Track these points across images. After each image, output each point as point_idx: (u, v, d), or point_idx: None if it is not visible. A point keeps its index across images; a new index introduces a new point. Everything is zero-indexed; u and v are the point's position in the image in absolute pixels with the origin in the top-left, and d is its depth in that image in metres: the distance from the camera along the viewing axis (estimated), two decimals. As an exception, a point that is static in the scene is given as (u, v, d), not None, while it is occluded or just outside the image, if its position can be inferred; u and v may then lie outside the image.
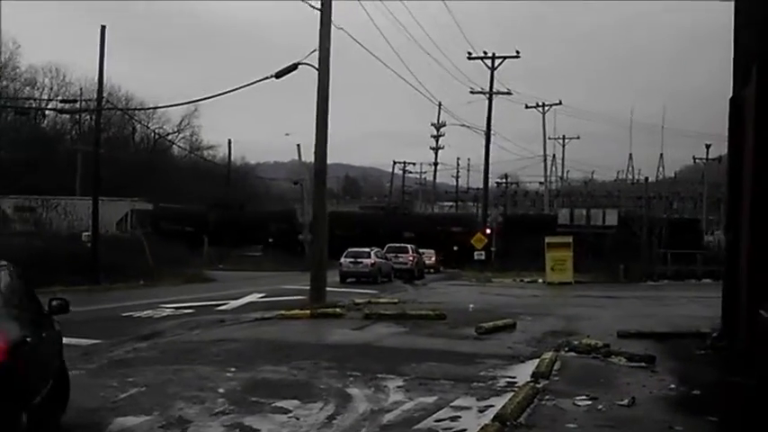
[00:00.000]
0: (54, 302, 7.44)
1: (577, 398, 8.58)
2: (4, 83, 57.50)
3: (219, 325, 16.09)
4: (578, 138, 76.05)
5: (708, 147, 69.41)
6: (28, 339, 6.21)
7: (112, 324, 16.25)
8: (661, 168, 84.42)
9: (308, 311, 18.03)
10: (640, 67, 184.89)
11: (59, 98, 59.16)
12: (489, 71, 50.34)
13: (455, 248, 47.77)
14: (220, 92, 26.96)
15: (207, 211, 54.62)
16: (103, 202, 38.90)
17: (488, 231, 44.21)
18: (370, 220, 55.96)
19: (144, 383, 9.32)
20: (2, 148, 55.36)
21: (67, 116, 60.68)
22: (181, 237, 41.68)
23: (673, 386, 9.46)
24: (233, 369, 10.34)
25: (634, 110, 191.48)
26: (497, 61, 50.04)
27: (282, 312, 17.79)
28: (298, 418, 7.71)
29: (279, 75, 22.04)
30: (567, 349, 12.25)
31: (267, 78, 22.44)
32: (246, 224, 53.43)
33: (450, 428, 7.33)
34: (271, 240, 51.66)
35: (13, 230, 34.79)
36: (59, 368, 7.54)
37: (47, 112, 61.85)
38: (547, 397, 8.66)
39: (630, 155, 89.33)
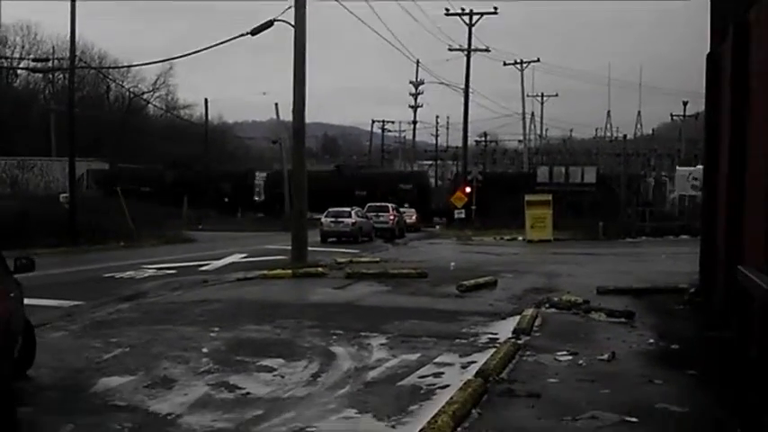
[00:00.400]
0: (20, 262, 7.41)
1: (558, 353, 8.70)
2: (-26, 41, 56.39)
3: (202, 285, 16.09)
4: (557, 95, 76.37)
5: (685, 104, 69.80)
6: (12, 295, 6.27)
7: (94, 285, 16.20)
8: (639, 125, 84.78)
9: (290, 271, 18.06)
10: (618, 24, 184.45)
11: (31, 57, 58.17)
12: (467, 28, 50.00)
13: (405, 206, 48.11)
14: (196, 49, 26.69)
15: (163, 171, 53.89)
16: (61, 162, 38.45)
17: (468, 190, 44.31)
18: (319, 179, 56.11)
19: (128, 344, 9.32)
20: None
21: (40, 75, 59.69)
22: (137, 197, 40.75)
23: (652, 341, 9.61)
24: (216, 329, 10.37)
25: (612, 67, 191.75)
26: (475, 18, 49.66)
27: (264, 272, 17.81)
28: (282, 377, 7.76)
29: (254, 32, 21.78)
30: (547, 306, 12.39)
31: (243, 35, 22.21)
32: (203, 184, 52.86)
33: (434, 385, 7.42)
34: (226, 200, 51.36)
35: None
36: (26, 325, 7.56)
37: (19, 71, 60.80)
38: (528, 352, 8.78)
39: (608, 112, 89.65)
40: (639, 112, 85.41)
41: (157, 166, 55.44)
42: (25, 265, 7.46)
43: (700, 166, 55.17)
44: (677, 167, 55.39)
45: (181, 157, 58.71)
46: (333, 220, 34.76)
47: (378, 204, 41.38)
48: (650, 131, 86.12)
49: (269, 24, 21.44)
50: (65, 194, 32.79)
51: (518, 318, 10.96)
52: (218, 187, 52.27)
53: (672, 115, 73.87)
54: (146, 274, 18.44)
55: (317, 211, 38.28)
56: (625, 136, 61.27)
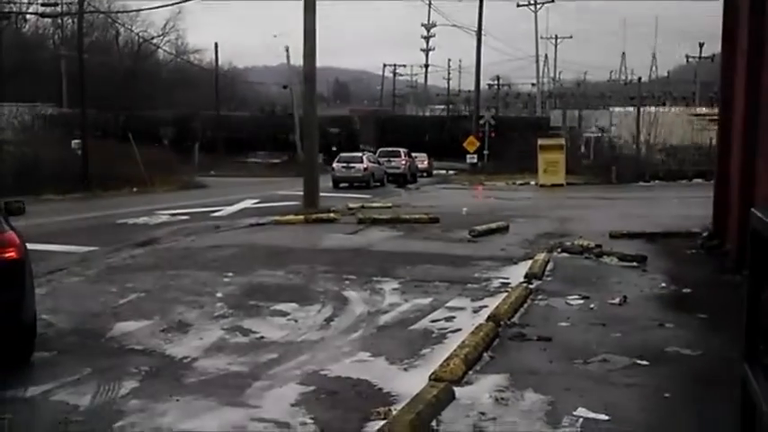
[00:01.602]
0: (10, 205, 7.20)
1: (569, 297, 8.75)
2: (-18, -14, 55.80)
3: (215, 231, 16.18)
4: (571, 37, 75.55)
5: (701, 45, 68.68)
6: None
7: (108, 231, 16.33)
8: (654, 68, 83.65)
9: (302, 217, 18.11)
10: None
11: (40, 2, 57.64)
12: (481, -32, 49.04)
13: (333, 149, 48.88)
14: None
15: (97, 115, 53.08)
16: (10, 106, 38.22)
17: (481, 135, 44.13)
18: (248, 123, 57.04)
19: (143, 289, 9.43)
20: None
21: (49, 20, 59.24)
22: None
23: (663, 285, 9.63)
24: (230, 274, 10.46)
25: (627, 7, 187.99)
26: (489, -42, 48.79)
27: (277, 218, 17.86)
28: (296, 321, 7.85)
29: (265, -25, 21.45)
30: (559, 250, 12.38)
31: (253, -22, 21.87)
32: (142, 127, 52.47)
33: (446, 328, 7.48)
34: (165, 143, 51.14)
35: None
36: None
37: (28, 16, 60.30)
38: (540, 297, 8.83)
39: (623, 54, 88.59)
40: (654, 55, 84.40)
41: (103, 113, 54.31)
42: (18, 209, 7.25)
43: (605, 110, 57.68)
44: (584, 111, 57.18)
45: (192, 101, 58.54)
46: (344, 165, 34.80)
47: (390, 149, 41.36)
48: (666, 74, 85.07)
49: (278, -34, 21.12)
50: (77, 140, 32.85)
51: (530, 262, 10.99)
52: (158, 130, 51.83)
53: (688, 57, 72.81)
54: (159, 220, 18.55)
55: (245, 153, 39.17)
56: (639, 78, 60.62)
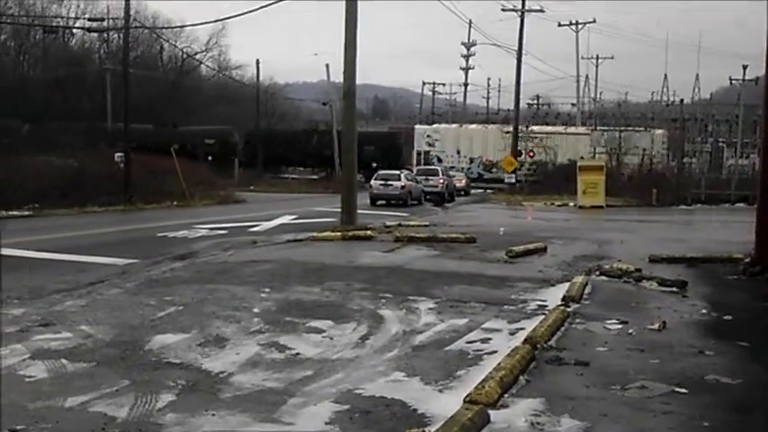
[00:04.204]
0: None
1: (608, 322, 8.64)
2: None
3: (252, 246, 16.31)
4: (612, 58, 74.83)
5: (745, 67, 67.69)
6: None
7: (148, 244, 16.57)
8: (696, 90, 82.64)
9: (339, 233, 18.17)
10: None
11: (87, 17, 58.96)
12: (522, -12, 49.05)
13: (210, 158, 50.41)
14: (248, 10, 26.79)
15: (20, 125, 52.65)
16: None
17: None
18: (145, 135, 57.32)
19: (181, 302, 9.53)
20: (31, 67, 55.24)
21: (95, 35, 60.55)
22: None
23: (704, 311, 9.47)
24: (267, 290, 10.53)
25: (669, 29, 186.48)
26: (531, -22, 48.78)
27: (314, 234, 17.95)
28: (332, 338, 7.86)
29: (308, -7, 21.73)
30: (597, 273, 12.25)
31: (296, -4, 22.19)
32: (53, 135, 52.07)
33: (482, 350, 7.43)
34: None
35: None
36: None
37: (74, 30, 61.66)
38: (577, 320, 8.73)
39: (665, 75, 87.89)
40: (698, 76, 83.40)
41: (16, 120, 53.83)
42: None
43: (435, 125, 61.68)
44: (416, 126, 62.49)
45: (233, 116, 59.52)
46: (382, 182, 34.91)
47: (427, 168, 41.55)
48: (708, 95, 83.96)
49: (321, -15, 21.37)
50: (120, 154, 33.41)
51: (567, 285, 10.88)
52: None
53: (731, 79, 71.73)
54: (198, 234, 18.76)
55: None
56: (682, 100, 59.73)
